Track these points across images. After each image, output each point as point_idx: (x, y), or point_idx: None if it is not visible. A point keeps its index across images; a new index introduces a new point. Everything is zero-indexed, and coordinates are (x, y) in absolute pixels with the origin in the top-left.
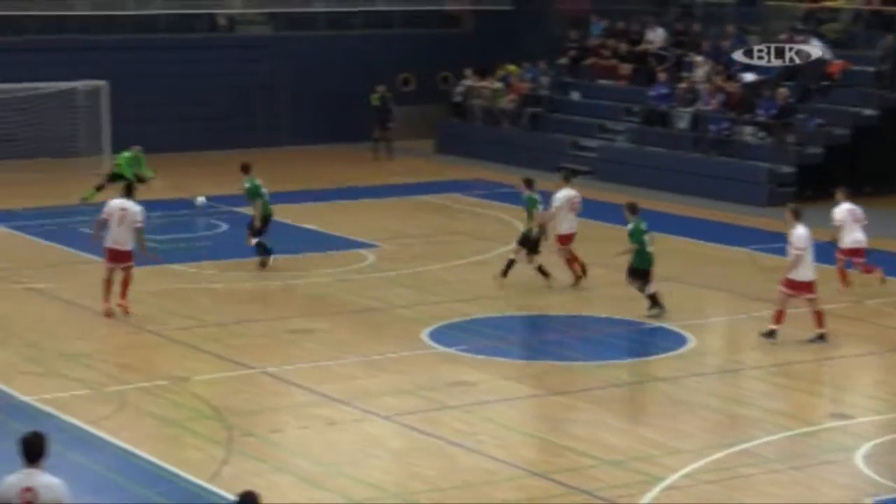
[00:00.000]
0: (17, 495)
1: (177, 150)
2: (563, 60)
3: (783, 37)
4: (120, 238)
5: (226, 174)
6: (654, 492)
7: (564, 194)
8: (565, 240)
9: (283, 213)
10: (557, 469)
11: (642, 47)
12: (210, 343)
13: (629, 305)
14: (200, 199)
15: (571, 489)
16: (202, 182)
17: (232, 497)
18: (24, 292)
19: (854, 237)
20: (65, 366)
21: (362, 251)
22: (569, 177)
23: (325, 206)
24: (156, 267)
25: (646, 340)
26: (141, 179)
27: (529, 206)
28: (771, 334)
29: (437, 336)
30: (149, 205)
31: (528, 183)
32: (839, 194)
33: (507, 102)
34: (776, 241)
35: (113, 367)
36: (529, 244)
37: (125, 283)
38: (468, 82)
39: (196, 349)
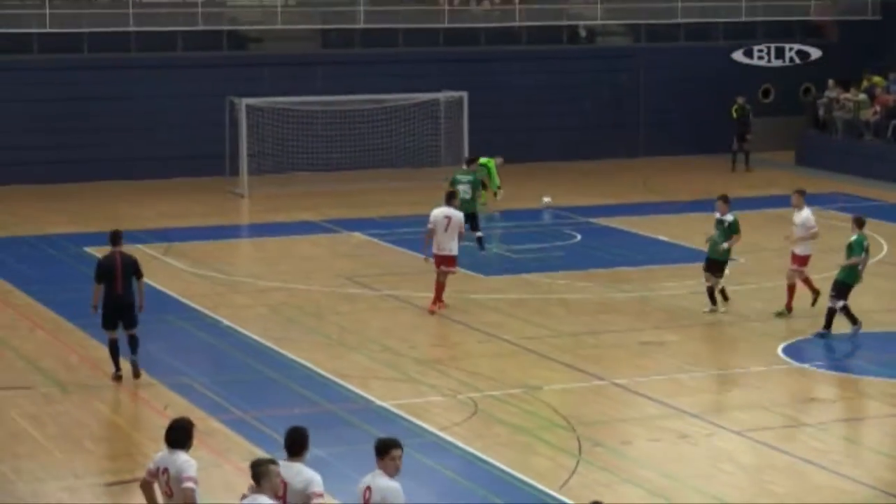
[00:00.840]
0: (361, 494)
1: (534, 160)
2: None
3: None
4: (444, 244)
5: (582, 185)
6: None
7: (806, 216)
8: (802, 261)
9: (635, 225)
10: None
11: None
12: (562, 353)
13: None
14: (546, 199)
15: None
16: (559, 191)
17: None
18: (382, 298)
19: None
20: (419, 371)
21: None
22: (804, 192)
23: (680, 218)
24: (512, 276)
25: None
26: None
27: (731, 230)
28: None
29: (791, 351)
30: (505, 214)
31: (725, 200)
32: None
33: (870, 114)
34: None
35: (465, 374)
36: (717, 266)
37: (440, 288)
38: (831, 93)
39: (548, 358)
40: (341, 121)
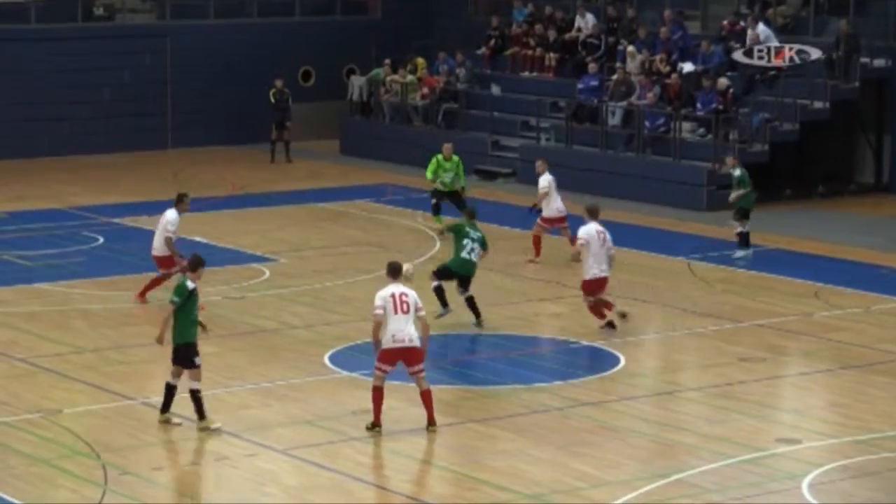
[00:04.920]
0: None
1: (47, 155)
2: (482, 50)
3: (725, 23)
4: (155, 243)
5: (103, 181)
6: None
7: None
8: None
9: None
10: None
11: (571, 35)
12: (85, 371)
13: (554, 322)
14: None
15: None
16: (78, 189)
17: None
18: None
19: (558, 206)
20: None
21: (257, 265)
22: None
23: (215, 216)
24: (24, 286)
25: (573, 361)
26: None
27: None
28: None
29: (339, 359)
30: (14, 216)
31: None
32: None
33: (419, 98)
34: (718, 249)
35: None
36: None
37: (152, 284)
38: (360, 77)
39: (68, 378)
40: None
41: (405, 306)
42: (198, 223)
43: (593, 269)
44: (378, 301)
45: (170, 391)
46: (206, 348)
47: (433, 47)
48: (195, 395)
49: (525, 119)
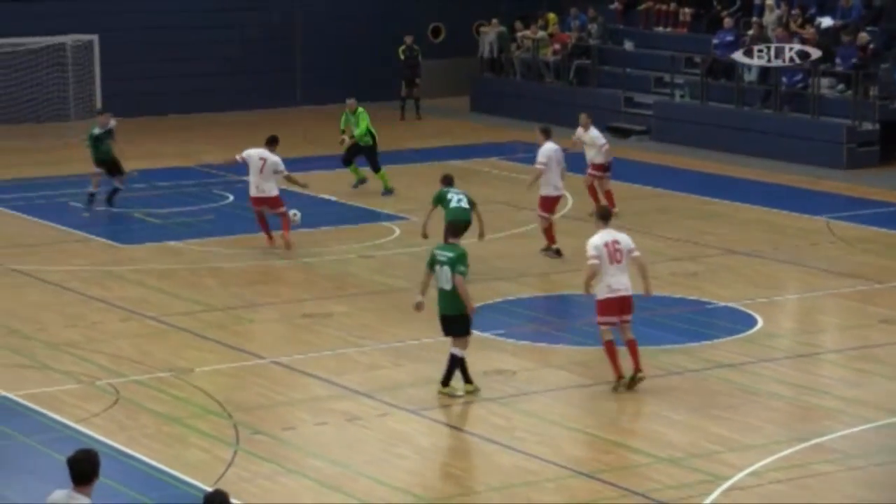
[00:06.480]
0: None
1: (176, 112)
2: (615, 5)
3: None
4: (260, 185)
5: (232, 137)
6: (717, 493)
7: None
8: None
9: None
10: (607, 468)
11: None
12: (215, 330)
13: (689, 282)
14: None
15: (623, 491)
16: (208, 147)
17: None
18: (5, 274)
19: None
20: (51, 357)
21: (388, 224)
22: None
23: (344, 174)
24: (155, 244)
25: (709, 322)
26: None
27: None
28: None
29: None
30: (144, 174)
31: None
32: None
33: (550, 54)
34: (856, 208)
35: (105, 357)
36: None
37: (285, 227)
38: (494, 31)
39: (199, 337)
40: None
41: (618, 254)
42: (327, 181)
43: (548, 187)
44: (592, 251)
45: (456, 363)
46: (337, 307)
47: (565, 2)
48: (461, 362)
49: (659, 75)
